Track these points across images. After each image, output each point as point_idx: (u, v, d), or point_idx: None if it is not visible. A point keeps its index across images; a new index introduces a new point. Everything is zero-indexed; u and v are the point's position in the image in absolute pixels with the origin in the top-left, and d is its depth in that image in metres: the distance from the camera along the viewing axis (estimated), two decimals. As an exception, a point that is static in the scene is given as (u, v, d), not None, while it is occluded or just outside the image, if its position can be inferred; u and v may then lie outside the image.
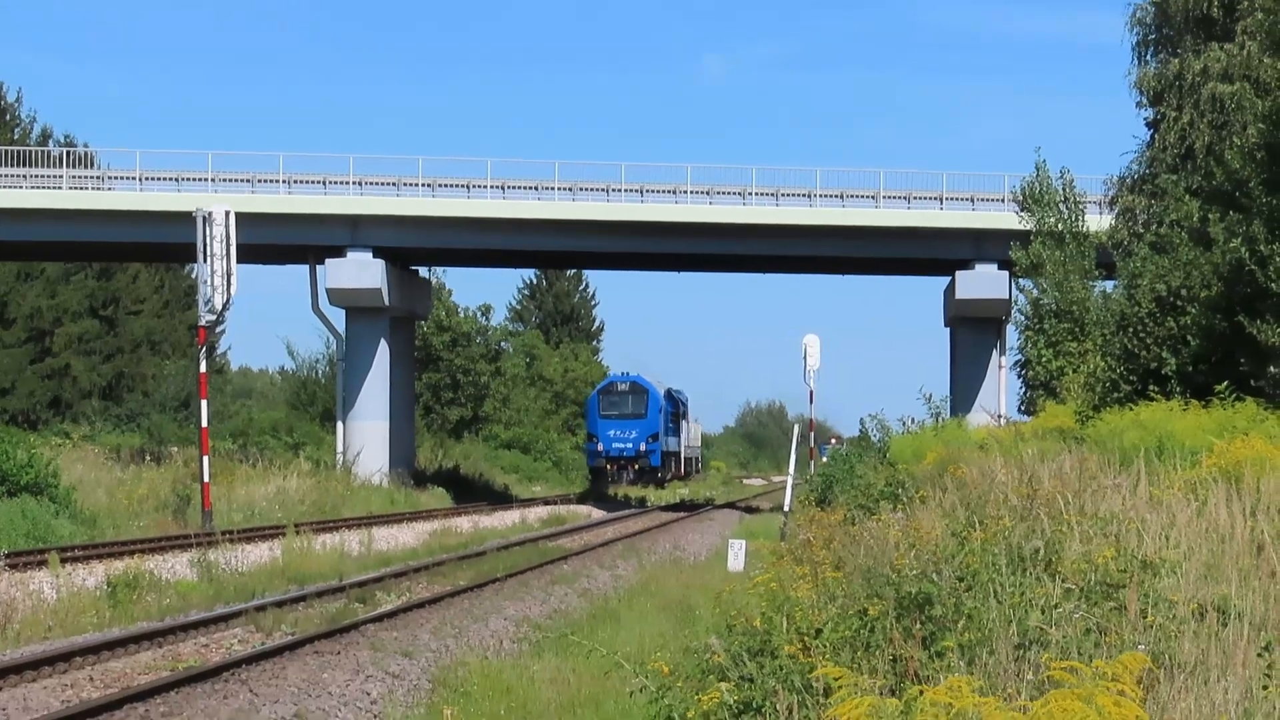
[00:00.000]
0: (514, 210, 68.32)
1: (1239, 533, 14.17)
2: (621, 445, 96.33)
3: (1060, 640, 11.00)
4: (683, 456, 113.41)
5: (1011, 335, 60.33)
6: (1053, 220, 50.06)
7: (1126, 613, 11.42)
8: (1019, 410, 53.01)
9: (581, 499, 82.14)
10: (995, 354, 69.36)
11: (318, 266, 69.05)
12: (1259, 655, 10.58)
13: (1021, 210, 52.28)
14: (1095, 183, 53.90)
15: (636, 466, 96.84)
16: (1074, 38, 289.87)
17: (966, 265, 67.63)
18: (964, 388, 68.34)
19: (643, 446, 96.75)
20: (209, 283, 46.69)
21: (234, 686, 20.30)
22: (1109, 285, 48.20)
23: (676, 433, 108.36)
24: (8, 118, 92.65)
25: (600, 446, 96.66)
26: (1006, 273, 61.90)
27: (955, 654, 11.11)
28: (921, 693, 8.08)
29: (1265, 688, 10.25)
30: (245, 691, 20.03)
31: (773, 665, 11.82)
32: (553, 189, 68.78)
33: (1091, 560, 12.62)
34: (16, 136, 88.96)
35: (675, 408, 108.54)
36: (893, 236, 68.83)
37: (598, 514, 69.27)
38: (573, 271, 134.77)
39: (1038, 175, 51.52)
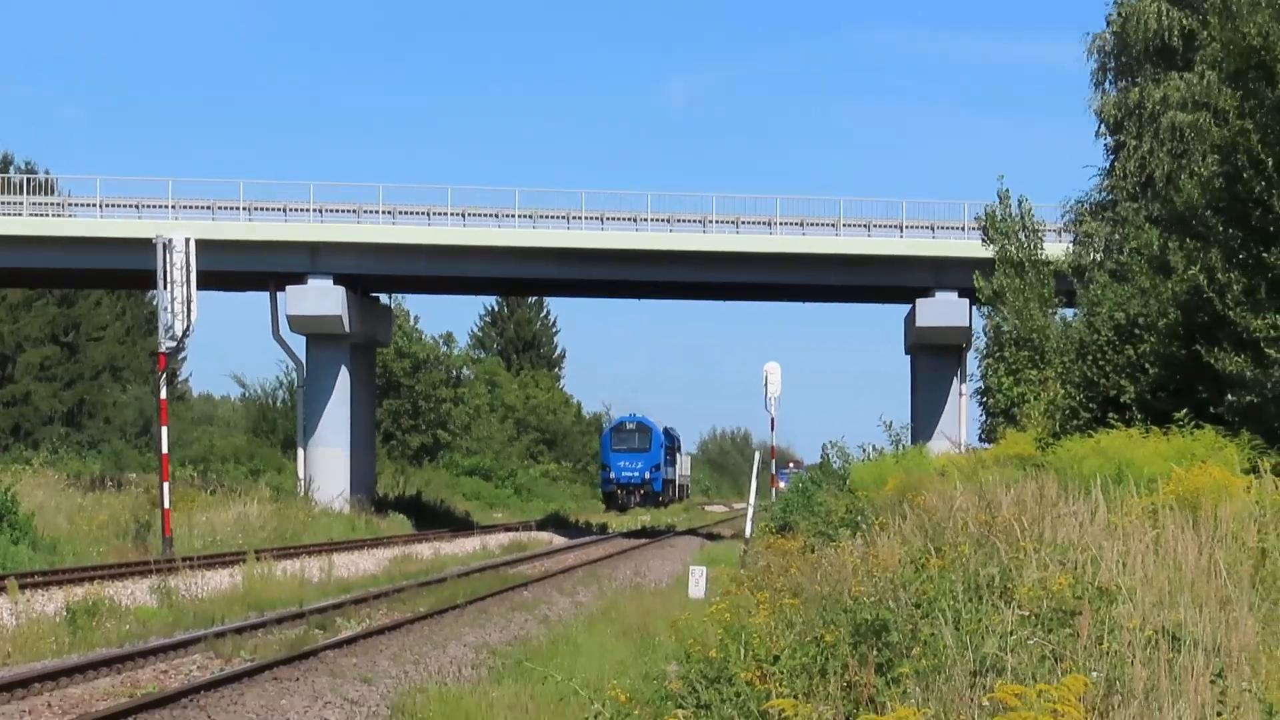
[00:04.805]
0: (474, 238, 68.29)
1: (1192, 559, 14.21)
2: (630, 474, 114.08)
3: (1016, 667, 11.02)
4: (677, 484, 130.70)
5: (972, 362, 60.48)
6: (1013, 249, 50.19)
7: (1081, 639, 11.45)
8: (979, 438, 53.09)
9: (542, 525, 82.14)
10: (956, 381, 69.42)
11: (278, 293, 68.95)
12: (1211, 682, 10.63)
13: (985, 238, 52.42)
14: (1052, 210, 54.09)
15: (642, 491, 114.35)
16: (1033, 64, 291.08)
17: (927, 293, 67.78)
18: (925, 415, 68.41)
19: (647, 475, 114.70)
20: (169, 310, 46.60)
21: (192, 713, 20.28)
22: (1069, 313, 48.35)
23: (673, 463, 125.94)
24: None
25: (612, 475, 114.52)
26: (967, 300, 62.14)
27: (911, 680, 11.13)
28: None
29: (1219, 714, 10.30)
30: (204, 717, 20.02)
31: (729, 692, 11.85)
32: (513, 216, 68.77)
33: (1047, 587, 12.64)
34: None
35: (671, 443, 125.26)
36: (853, 264, 68.97)
37: (559, 540, 69.20)
38: (534, 299, 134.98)
39: (1000, 203, 51.66)
